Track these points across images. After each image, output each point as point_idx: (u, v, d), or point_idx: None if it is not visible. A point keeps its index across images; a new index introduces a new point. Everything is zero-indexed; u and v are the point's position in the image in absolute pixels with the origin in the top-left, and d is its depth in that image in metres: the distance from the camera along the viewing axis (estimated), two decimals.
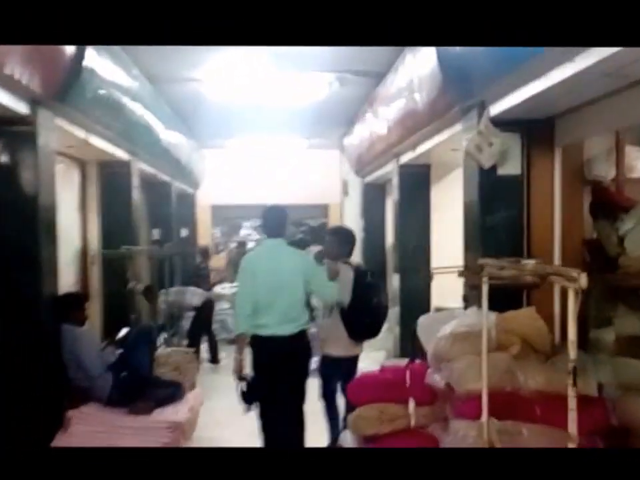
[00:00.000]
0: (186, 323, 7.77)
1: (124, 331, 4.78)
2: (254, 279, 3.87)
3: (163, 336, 7.37)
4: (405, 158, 6.25)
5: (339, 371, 4.52)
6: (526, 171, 3.98)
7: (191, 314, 7.79)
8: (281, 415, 3.97)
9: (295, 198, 10.59)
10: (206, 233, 11.93)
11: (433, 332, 3.70)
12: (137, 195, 6.33)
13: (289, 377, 3.95)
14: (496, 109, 3.77)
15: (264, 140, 9.99)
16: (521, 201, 3.99)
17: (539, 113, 3.76)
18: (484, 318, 3.09)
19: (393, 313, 6.75)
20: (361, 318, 4.38)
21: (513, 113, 3.68)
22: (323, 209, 12.17)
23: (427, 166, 6.52)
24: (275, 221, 4.01)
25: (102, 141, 5.29)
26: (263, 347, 3.89)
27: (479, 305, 3.80)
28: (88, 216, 6.16)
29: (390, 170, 6.93)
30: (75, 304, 4.35)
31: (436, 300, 6.39)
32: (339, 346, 4.48)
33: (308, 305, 4.29)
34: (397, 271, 6.75)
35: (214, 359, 7.83)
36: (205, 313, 7.83)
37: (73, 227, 5.96)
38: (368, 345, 4.91)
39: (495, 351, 3.27)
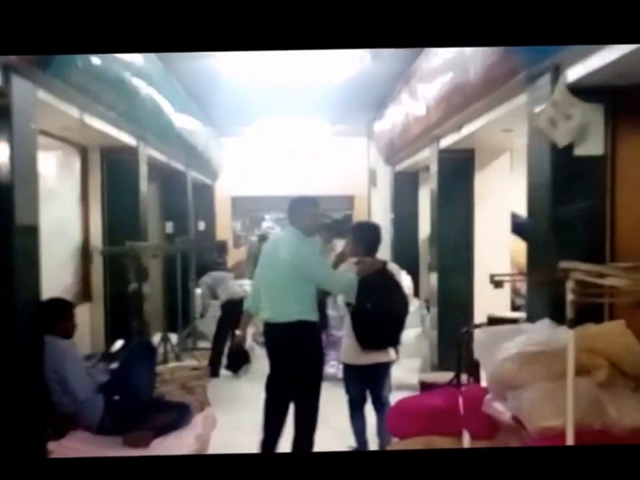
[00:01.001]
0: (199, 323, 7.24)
1: (118, 343, 4.14)
2: (259, 264, 4.16)
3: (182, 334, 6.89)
4: (446, 142, 5.55)
5: (355, 379, 4.35)
6: (610, 150, 3.29)
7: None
8: (280, 405, 3.97)
9: (319, 189, 10.04)
10: (226, 226, 11.62)
11: (492, 350, 3.08)
12: (145, 184, 5.73)
13: (286, 368, 3.92)
14: (574, 73, 3.07)
15: (286, 127, 9.43)
16: (604, 188, 3.32)
17: (630, 78, 3.04)
18: (570, 341, 2.42)
19: (430, 315, 6.21)
20: (367, 322, 4.13)
21: (597, 78, 3.00)
22: (349, 201, 11.70)
23: (470, 151, 5.78)
24: (292, 210, 4.07)
25: (102, 123, 4.65)
26: (265, 330, 4.04)
27: (550, 316, 3.18)
28: (90, 208, 5.57)
29: (427, 156, 6.21)
30: (60, 312, 3.70)
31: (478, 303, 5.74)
32: (351, 353, 4.26)
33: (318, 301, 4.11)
34: (434, 269, 6.06)
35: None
36: (232, 312, 7.14)
37: (73, 221, 5.38)
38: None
39: (576, 375, 2.61)
